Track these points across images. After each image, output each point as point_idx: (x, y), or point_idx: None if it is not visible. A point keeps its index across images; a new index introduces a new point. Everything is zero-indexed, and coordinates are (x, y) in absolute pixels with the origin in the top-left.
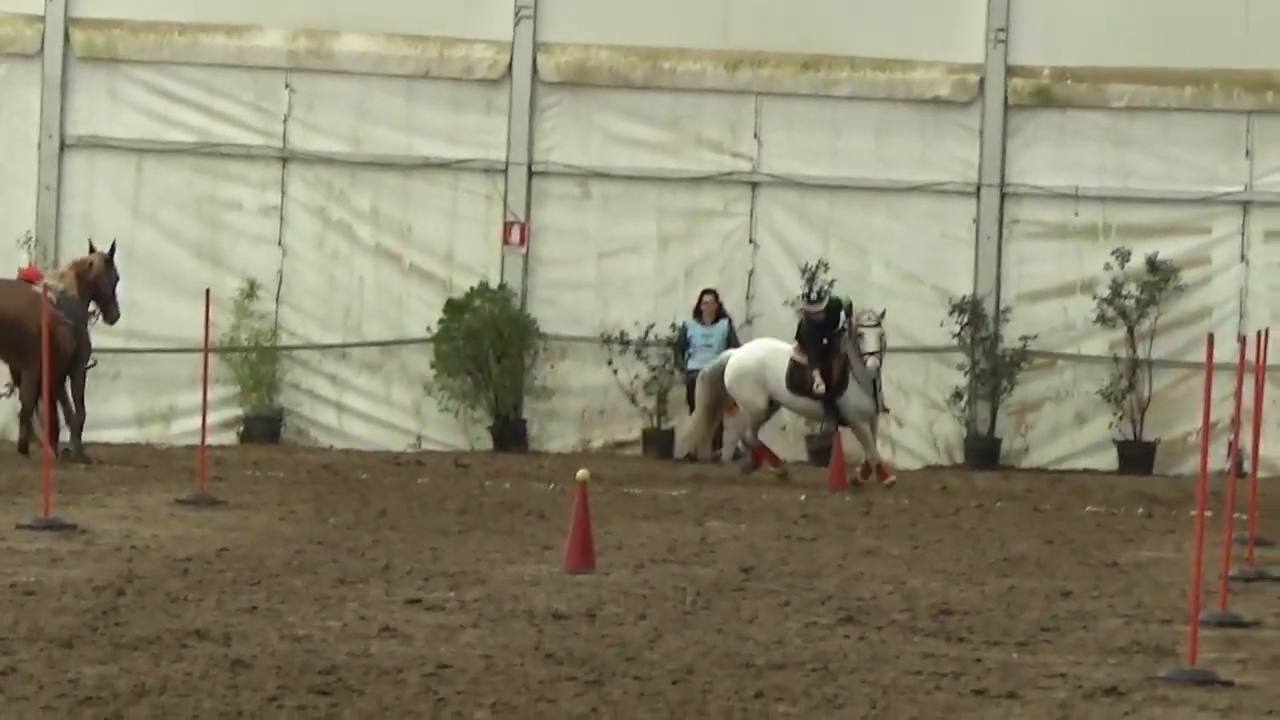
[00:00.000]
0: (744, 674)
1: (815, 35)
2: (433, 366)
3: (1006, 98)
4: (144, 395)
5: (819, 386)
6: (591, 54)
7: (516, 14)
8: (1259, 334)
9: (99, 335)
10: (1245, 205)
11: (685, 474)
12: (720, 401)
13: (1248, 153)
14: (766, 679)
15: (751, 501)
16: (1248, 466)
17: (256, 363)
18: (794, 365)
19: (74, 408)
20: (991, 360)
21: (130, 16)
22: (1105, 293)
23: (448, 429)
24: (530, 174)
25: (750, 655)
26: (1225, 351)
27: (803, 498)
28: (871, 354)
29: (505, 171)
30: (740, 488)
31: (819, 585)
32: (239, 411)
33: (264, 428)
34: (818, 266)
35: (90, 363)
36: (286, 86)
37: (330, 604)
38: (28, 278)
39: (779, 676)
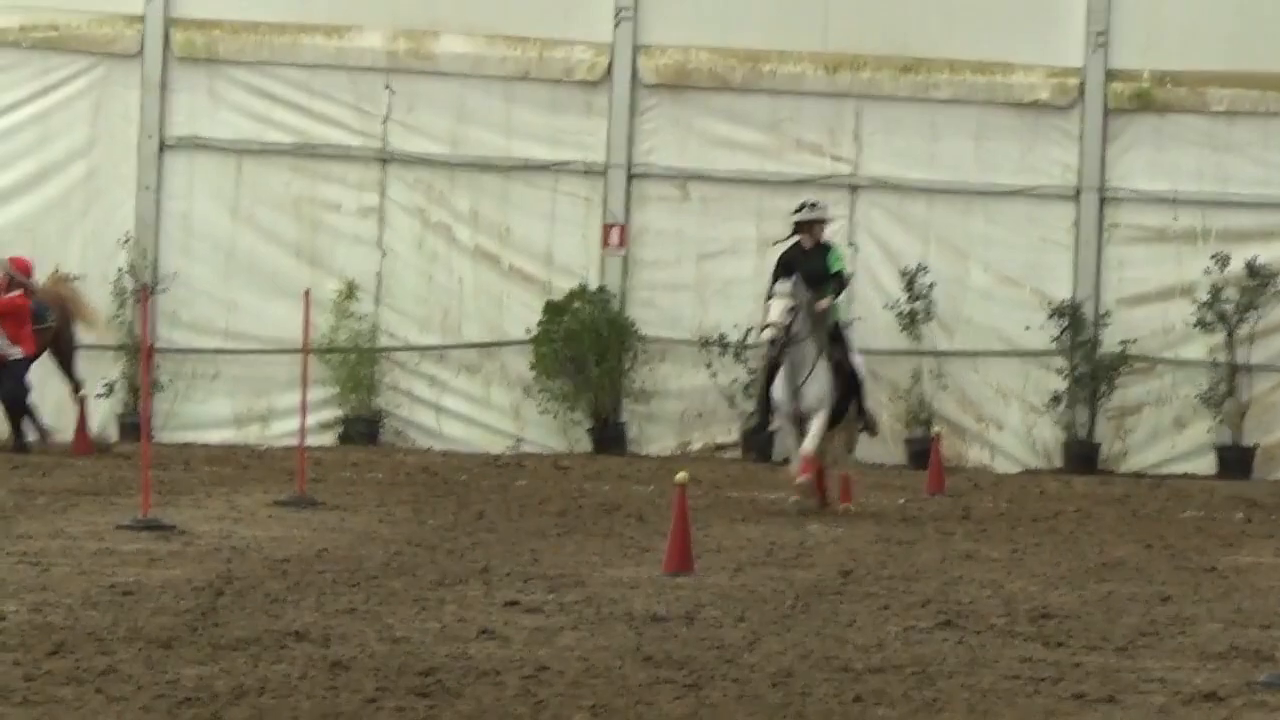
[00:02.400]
0: (843, 677)
1: (915, 38)
2: (532, 368)
3: (1106, 102)
4: (243, 396)
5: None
6: (691, 56)
7: (616, 16)
8: None
9: (200, 335)
10: None
11: (784, 477)
12: None
13: None
14: (865, 682)
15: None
16: None
17: (355, 364)
18: None
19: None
20: (1090, 364)
21: (230, 17)
22: (1204, 297)
23: (547, 431)
24: (630, 176)
25: (849, 659)
26: None
27: (901, 501)
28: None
29: (605, 174)
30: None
31: (918, 589)
32: (338, 413)
33: (363, 429)
34: (917, 269)
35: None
36: (386, 87)
37: (429, 606)
38: (20, 267)
39: (878, 680)
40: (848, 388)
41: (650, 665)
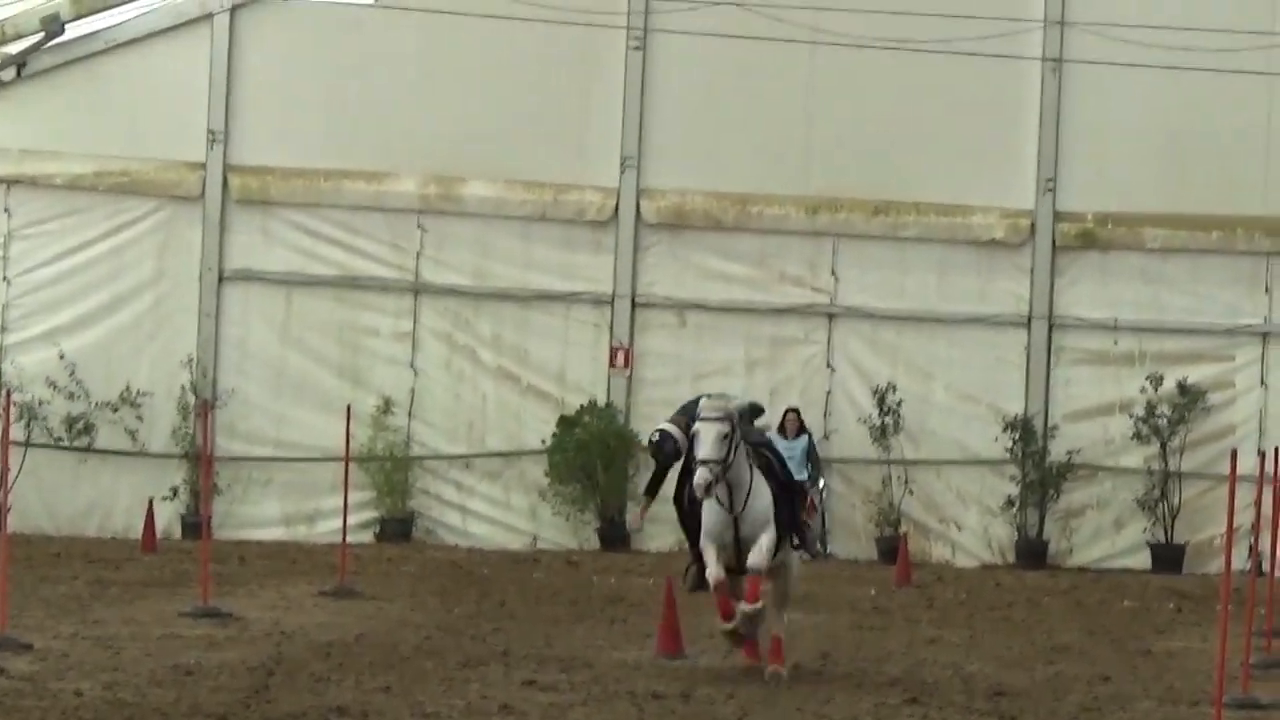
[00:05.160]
0: None
1: (886, 183)
2: (547, 475)
3: (1054, 240)
4: (291, 499)
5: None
6: (688, 199)
7: (622, 163)
8: (1277, 450)
9: (253, 445)
10: (1265, 336)
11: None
12: None
13: (1267, 289)
14: None
15: (828, 596)
16: (1266, 566)
17: (391, 471)
18: None
19: None
20: (1040, 471)
21: (281, 164)
22: (1141, 412)
23: (560, 530)
24: (634, 305)
25: None
26: (1246, 465)
27: (873, 592)
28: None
29: (611, 303)
30: (818, 584)
31: (887, 669)
32: (375, 514)
33: (397, 528)
34: (887, 388)
35: None
36: (419, 227)
37: (455, 684)
38: None
39: None
40: (789, 498)
41: None
